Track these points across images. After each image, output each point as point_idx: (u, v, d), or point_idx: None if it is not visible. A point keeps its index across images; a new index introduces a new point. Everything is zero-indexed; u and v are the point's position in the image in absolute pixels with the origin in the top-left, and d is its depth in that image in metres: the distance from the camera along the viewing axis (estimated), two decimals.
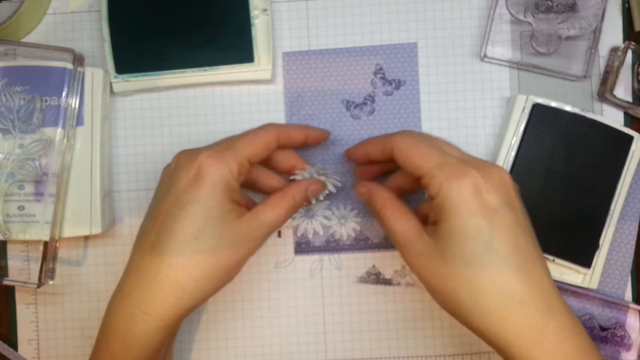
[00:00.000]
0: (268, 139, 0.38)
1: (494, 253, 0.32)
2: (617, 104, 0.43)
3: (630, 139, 0.42)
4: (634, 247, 0.44)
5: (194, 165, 0.35)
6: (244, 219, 0.36)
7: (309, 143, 0.42)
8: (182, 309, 0.35)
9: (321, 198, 0.42)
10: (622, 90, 0.44)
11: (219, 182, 0.35)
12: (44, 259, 0.42)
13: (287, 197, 0.38)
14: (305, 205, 0.42)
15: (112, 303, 0.37)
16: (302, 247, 0.45)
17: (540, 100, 0.42)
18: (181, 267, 0.34)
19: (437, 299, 0.35)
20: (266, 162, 0.41)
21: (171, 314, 0.35)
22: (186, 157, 0.37)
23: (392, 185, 0.41)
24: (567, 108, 0.42)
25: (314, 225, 0.44)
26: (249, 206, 0.38)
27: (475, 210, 0.32)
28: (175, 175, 0.36)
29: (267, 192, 0.41)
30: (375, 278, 0.45)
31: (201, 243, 0.35)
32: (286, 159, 0.42)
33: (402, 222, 0.36)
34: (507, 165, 0.42)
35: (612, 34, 0.44)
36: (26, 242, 0.45)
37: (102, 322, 0.37)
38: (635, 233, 0.44)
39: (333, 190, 0.42)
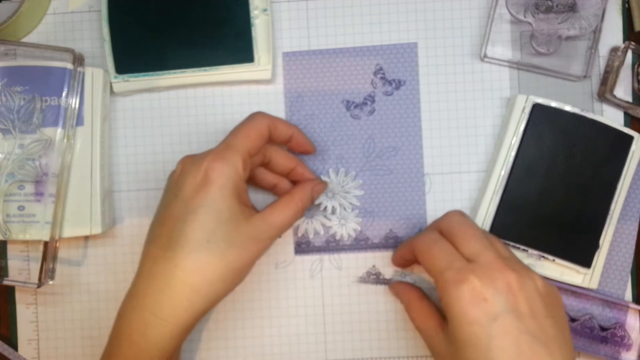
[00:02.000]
0: (261, 128, 0.39)
1: None
2: (617, 104, 0.43)
3: (630, 139, 0.42)
4: (634, 247, 0.44)
5: (200, 170, 0.36)
6: (253, 221, 0.37)
7: (292, 144, 0.42)
8: (196, 312, 0.36)
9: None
10: (622, 90, 0.44)
11: (227, 184, 0.36)
12: (44, 259, 0.42)
13: (294, 200, 0.39)
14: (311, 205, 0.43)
15: (124, 309, 0.37)
16: (302, 247, 0.45)
17: (540, 100, 0.42)
18: (195, 270, 0.35)
19: None
20: (265, 165, 0.42)
21: (186, 318, 0.35)
22: (191, 162, 0.37)
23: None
24: (567, 108, 0.42)
25: (314, 225, 0.44)
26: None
27: (472, 318, 0.33)
28: (181, 181, 0.36)
29: (266, 188, 0.43)
30: (375, 278, 0.45)
31: (213, 246, 0.35)
32: (285, 161, 0.42)
33: (423, 320, 0.39)
34: (507, 165, 0.42)
35: (612, 34, 0.44)
36: (26, 242, 0.45)
37: (113, 328, 0.37)
38: (635, 233, 0.44)
39: (347, 209, 0.44)
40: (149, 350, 0.35)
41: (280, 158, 0.42)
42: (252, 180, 0.42)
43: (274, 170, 0.42)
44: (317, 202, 0.43)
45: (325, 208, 0.43)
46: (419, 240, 0.39)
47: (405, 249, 0.41)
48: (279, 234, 0.38)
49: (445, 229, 0.39)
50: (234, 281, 0.37)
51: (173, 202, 0.36)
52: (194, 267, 0.35)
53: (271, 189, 0.43)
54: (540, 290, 0.34)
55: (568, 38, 0.43)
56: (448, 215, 0.40)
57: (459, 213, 0.40)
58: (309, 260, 0.45)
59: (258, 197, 0.45)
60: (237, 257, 0.36)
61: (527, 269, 0.35)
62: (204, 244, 0.35)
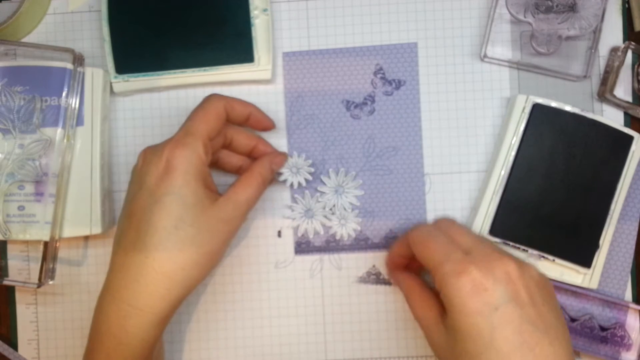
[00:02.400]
0: (218, 110, 0.39)
1: (495, 352, 0.32)
2: (617, 104, 0.43)
3: (630, 139, 0.42)
4: (634, 247, 0.44)
5: (162, 159, 0.36)
6: (219, 203, 0.37)
7: (251, 122, 0.42)
8: (172, 300, 0.36)
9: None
10: (622, 90, 0.44)
11: (190, 170, 0.36)
12: (44, 259, 0.42)
13: (254, 175, 0.39)
14: (272, 180, 0.43)
15: (100, 303, 0.37)
16: (302, 247, 0.45)
17: (540, 100, 0.42)
18: (166, 259, 0.35)
19: None
20: (227, 146, 0.42)
21: (163, 307, 0.36)
22: (152, 152, 0.37)
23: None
24: (567, 108, 0.42)
25: (314, 225, 0.44)
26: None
27: (474, 309, 0.33)
28: (144, 171, 0.37)
29: (230, 171, 0.43)
30: (375, 278, 0.45)
31: (181, 233, 0.35)
32: (246, 140, 0.42)
33: (423, 310, 0.38)
34: (507, 165, 0.42)
35: (612, 34, 0.44)
36: (26, 242, 0.45)
37: (92, 323, 0.37)
38: (635, 233, 0.44)
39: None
40: (129, 341, 0.35)
41: (241, 138, 0.42)
42: (217, 165, 0.43)
43: (236, 150, 0.42)
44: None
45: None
46: (415, 232, 0.38)
47: (401, 244, 0.41)
48: (246, 211, 0.39)
49: (438, 227, 0.39)
50: (208, 265, 0.37)
51: (138, 194, 0.36)
52: (165, 255, 0.35)
53: (236, 172, 0.43)
54: (536, 278, 0.35)
55: (568, 38, 0.43)
56: (439, 220, 0.41)
57: (450, 218, 0.42)
58: (309, 260, 0.45)
59: (221, 181, 0.44)
60: (208, 241, 0.36)
61: (521, 260, 0.36)
62: (172, 231, 0.35)
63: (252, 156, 0.43)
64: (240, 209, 0.38)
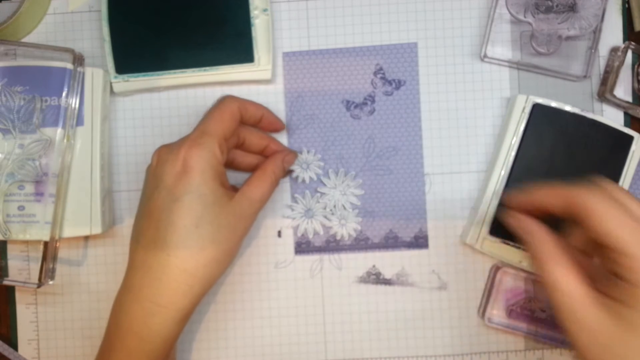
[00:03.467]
0: (233, 111, 0.39)
1: None
2: (617, 104, 0.43)
3: (630, 139, 0.42)
4: None
5: (179, 158, 0.36)
6: (235, 201, 0.38)
7: (263, 124, 0.43)
8: (195, 296, 0.37)
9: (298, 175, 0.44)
10: (622, 90, 0.44)
11: (207, 169, 0.36)
12: (44, 259, 0.42)
13: (267, 172, 0.40)
14: (284, 175, 0.44)
15: (121, 302, 0.37)
16: (302, 247, 0.45)
17: (540, 100, 0.42)
18: (188, 256, 0.35)
19: None
20: (240, 146, 0.43)
21: (186, 303, 0.36)
22: (168, 151, 0.37)
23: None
24: (567, 108, 0.42)
25: (314, 225, 0.44)
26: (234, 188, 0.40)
27: None
28: (160, 171, 0.37)
29: (244, 170, 0.44)
30: (375, 278, 0.45)
31: (202, 231, 0.36)
32: (258, 140, 0.43)
33: (572, 285, 0.30)
34: (507, 165, 0.42)
35: (612, 34, 0.44)
36: (26, 242, 0.45)
37: (110, 322, 0.37)
38: None
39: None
40: (152, 339, 0.36)
41: (254, 137, 0.42)
42: (232, 164, 0.43)
43: (248, 149, 0.43)
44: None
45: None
46: (593, 198, 0.31)
47: (556, 199, 0.33)
48: (260, 207, 0.39)
49: (615, 199, 0.31)
50: (227, 261, 0.38)
51: (155, 194, 0.37)
52: (187, 253, 0.35)
53: (250, 170, 0.44)
54: None
55: (568, 38, 0.43)
56: (608, 186, 0.32)
57: (604, 194, 0.31)
58: (309, 260, 0.45)
59: (232, 179, 0.45)
60: (227, 238, 0.37)
61: None
62: (193, 229, 0.35)
63: (265, 155, 0.43)
64: (255, 206, 0.39)
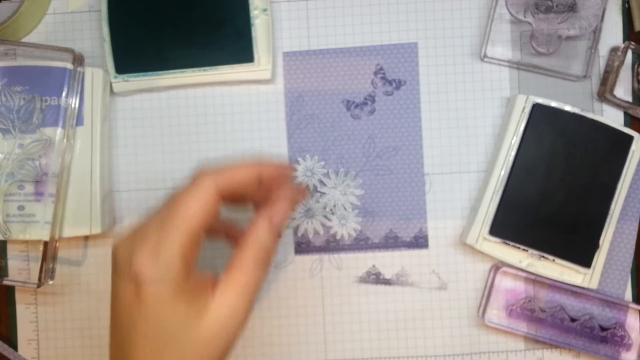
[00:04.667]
0: (210, 199, 0.31)
1: None
2: (617, 104, 0.43)
3: (630, 139, 0.42)
4: (634, 247, 0.44)
5: (131, 275, 0.30)
6: (208, 317, 0.30)
7: (265, 182, 0.33)
8: None
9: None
10: (622, 90, 0.44)
11: (162, 289, 0.29)
12: (44, 259, 0.42)
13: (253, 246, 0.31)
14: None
15: None
16: (302, 247, 0.45)
17: (540, 100, 0.42)
18: None
19: None
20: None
21: None
22: (122, 258, 0.31)
23: None
24: (567, 108, 0.42)
25: (314, 225, 0.44)
26: (230, 231, 0.35)
27: None
28: (116, 287, 0.31)
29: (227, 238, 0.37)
30: (375, 278, 0.45)
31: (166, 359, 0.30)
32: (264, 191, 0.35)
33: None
34: (507, 165, 0.42)
35: (612, 34, 0.44)
36: (26, 242, 0.45)
37: None
38: (635, 233, 0.44)
39: (347, 209, 0.44)
40: None
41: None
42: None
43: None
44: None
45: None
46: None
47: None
48: (253, 299, 0.31)
49: None
50: None
51: (114, 305, 0.31)
52: None
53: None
54: None
55: (568, 38, 0.43)
56: None
57: None
58: (309, 260, 0.45)
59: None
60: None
61: None
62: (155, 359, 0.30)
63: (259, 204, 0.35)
64: (246, 299, 0.31)
